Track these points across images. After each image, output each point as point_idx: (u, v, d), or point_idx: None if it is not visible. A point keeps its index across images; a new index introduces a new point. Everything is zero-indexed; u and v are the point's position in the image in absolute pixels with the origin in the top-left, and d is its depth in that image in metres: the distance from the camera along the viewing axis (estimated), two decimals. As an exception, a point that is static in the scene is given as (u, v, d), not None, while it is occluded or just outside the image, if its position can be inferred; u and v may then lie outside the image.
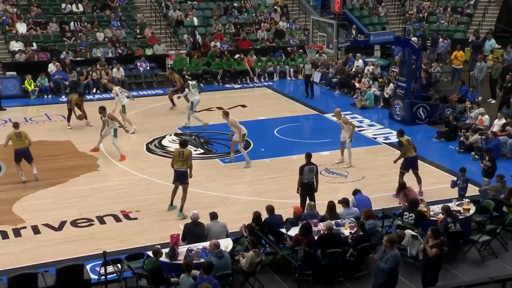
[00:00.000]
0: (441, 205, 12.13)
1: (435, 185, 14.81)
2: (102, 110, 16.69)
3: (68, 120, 19.25)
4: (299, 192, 13.08)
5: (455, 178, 14.09)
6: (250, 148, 17.45)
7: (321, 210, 12.24)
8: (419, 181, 14.32)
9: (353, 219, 11.69)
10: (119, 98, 18.81)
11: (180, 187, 13.35)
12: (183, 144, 13.72)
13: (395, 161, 14.66)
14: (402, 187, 13.25)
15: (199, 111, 19.97)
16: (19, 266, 10.85)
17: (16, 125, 15.64)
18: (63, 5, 27.44)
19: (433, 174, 15.74)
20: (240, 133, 15.86)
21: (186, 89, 19.73)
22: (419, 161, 14.87)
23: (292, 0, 31.96)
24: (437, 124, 19.53)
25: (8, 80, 22.67)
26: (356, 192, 12.74)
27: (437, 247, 9.88)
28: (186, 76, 23.17)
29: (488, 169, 14.15)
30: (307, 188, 13.03)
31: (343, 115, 16.52)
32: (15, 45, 24.65)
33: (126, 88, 23.05)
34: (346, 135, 16.07)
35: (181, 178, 13.29)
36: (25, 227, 12.65)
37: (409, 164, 14.30)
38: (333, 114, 18.63)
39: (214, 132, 18.92)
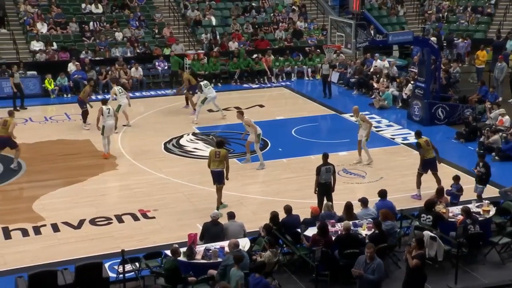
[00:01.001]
0: (460, 206, 12.04)
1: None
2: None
3: (85, 120, 19.28)
4: (316, 192, 13.05)
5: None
6: (268, 148, 17.47)
7: (338, 210, 12.20)
8: (438, 182, 14.21)
9: (370, 220, 11.63)
10: (118, 97, 19.20)
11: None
12: (220, 144, 13.79)
13: (419, 169, 14.27)
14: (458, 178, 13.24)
15: (215, 111, 20.05)
16: (39, 264, 10.96)
17: (10, 113, 16.34)
18: (83, 6, 27.70)
19: (452, 175, 15.56)
20: (256, 132, 15.86)
21: (199, 91, 20.01)
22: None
23: (310, 0, 31.92)
24: (456, 124, 19.37)
25: (29, 80, 22.95)
26: (380, 197, 12.45)
27: (419, 258, 9.51)
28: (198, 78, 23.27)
29: (482, 176, 13.68)
30: (324, 188, 13.00)
31: (361, 113, 16.45)
32: (36, 45, 24.93)
33: (145, 88, 23.27)
34: (363, 134, 16.02)
35: (219, 178, 13.31)
36: (44, 225, 12.79)
37: (428, 165, 14.19)
38: (351, 114, 18.61)
39: (231, 132, 18.96)
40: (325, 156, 13.19)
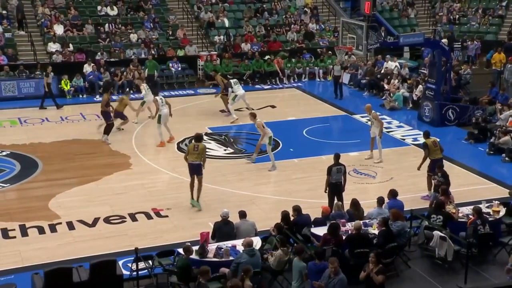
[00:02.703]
0: (471, 207, 12.09)
1: (464, 186, 14.74)
2: None
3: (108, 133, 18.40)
4: (327, 192, 13.21)
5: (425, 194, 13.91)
6: (279, 148, 17.63)
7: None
8: (430, 187, 14.17)
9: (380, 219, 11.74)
10: (145, 94, 19.85)
11: (196, 180, 13.76)
12: (198, 138, 14.12)
13: (418, 168, 14.50)
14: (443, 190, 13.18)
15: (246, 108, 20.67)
16: (55, 261, 11.13)
17: (126, 93, 18.02)
18: (99, 8, 28.01)
19: (462, 176, 15.68)
20: (266, 135, 15.99)
21: (230, 88, 20.46)
22: (448, 162, 14.79)
23: (322, 2, 32.03)
24: (466, 126, 19.41)
25: (46, 80, 23.32)
26: (390, 197, 12.57)
27: (382, 272, 9.48)
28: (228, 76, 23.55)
29: (441, 185, 13.42)
30: (335, 188, 13.13)
31: (373, 111, 16.60)
32: (53, 46, 25.28)
33: (159, 88, 23.54)
34: (376, 131, 16.19)
35: (197, 170, 13.73)
36: (60, 223, 12.99)
37: (436, 166, 14.23)
38: (362, 114, 18.73)
39: (243, 132, 19.14)
40: (337, 157, 13.33)
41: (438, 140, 14.92)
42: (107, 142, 18.02)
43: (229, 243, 10.91)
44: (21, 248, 12.01)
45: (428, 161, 14.30)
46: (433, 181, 13.80)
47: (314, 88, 25.29)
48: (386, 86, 22.95)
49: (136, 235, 12.46)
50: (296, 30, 28.98)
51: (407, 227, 11.69)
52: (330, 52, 27.01)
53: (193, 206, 13.73)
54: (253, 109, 20.39)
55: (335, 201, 12.86)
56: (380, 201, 12.29)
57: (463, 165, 16.38)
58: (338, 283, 9.26)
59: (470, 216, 11.88)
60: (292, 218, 11.61)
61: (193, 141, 14.28)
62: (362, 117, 20.62)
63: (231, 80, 20.99)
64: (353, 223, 11.32)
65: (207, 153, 17.12)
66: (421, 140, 17.91)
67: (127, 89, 23.17)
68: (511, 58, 23.08)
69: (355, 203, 12.22)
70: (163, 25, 28.22)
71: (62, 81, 23.30)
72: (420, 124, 19.91)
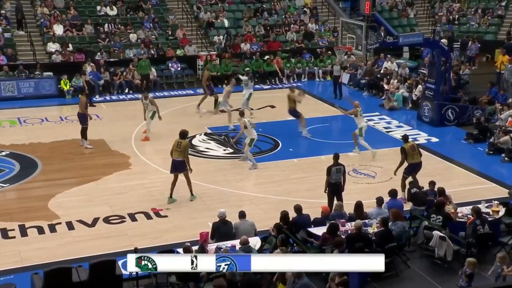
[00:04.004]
0: (470, 207, 12.11)
1: (464, 186, 14.76)
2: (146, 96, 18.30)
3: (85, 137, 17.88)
4: (326, 192, 13.22)
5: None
6: (279, 148, 17.64)
7: (349, 210, 12.34)
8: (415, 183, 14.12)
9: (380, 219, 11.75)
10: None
11: (182, 177, 13.96)
12: (182, 135, 14.20)
13: (395, 172, 14.34)
14: (433, 183, 13.18)
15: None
16: (54, 261, 11.14)
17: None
18: (98, 8, 28.00)
19: (462, 176, 15.70)
20: (250, 136, 16.01)
21: (244, 87, 20.49)
22: (447, 162, 14.77)
23: (321, 2, 32.03)
24: (466, 125, 19.42)
25: (45, 80, 23.32)
26: (390, 196, 12.58)
27: (344, 284, 9.42)
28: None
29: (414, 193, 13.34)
30: (334, 188, 13.14)
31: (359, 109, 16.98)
32: (52, 46, 25.28)
33: (158, 88, 23.51)
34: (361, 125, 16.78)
35: (179, 167, 13.85)
36: (60, 223, 13.01)
37: (413, 170, 14.11)
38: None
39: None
40: (336, 157, 13.34)
41: (417, 143, 15.03)
42: (87, 147, 17.52)
43: (229, 243, 10.94)
44: (21, 248, 12.03)
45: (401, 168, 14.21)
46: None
47: (314, 88, 25.30)
48: (385, 86, 22.96)
49: (135, 235, 12.48)
50: (296, 30, 29.00)
51: (407, 227, 11.70)
52: (329, 52, 27.02)
53: (170, 203, 13.89)
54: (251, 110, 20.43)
55: (335, 201, 12.86)
56: (380, 201, 12.29)
57: (463, 165, 16.40)
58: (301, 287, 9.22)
59: (470, 216, 11.89)
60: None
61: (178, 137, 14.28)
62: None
63: (243, 77, 20.86)
64: (354, 222, 11.33)
65: (206, 153, 17.24)
66: (421, 140, 18.08)
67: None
68: (511, 58, 23.10)
69: (358, 206, 12.11)
70: (163, 25, 28.23)
71: (62, 81, 23.30)
72: (419, 124, 19.94)
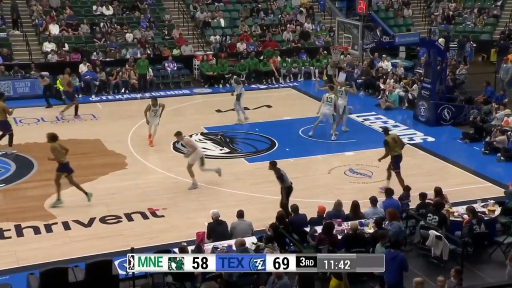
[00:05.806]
0: (466, 206, 12.13)
1: (460, 186, 14.77)
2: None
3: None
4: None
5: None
6: (275, 148, 17.64)
7: (345, 210, 12.33)
8: (389, 177, 14.30)
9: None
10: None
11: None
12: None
13: (379, 159, 14.53)
14: (408, 189, 13.23)
15: (225, 111, 20.29)
16: (50, 261, 11.12)
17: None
18: (94, 7, 27.97)
19: (458, 175, 15.71)
20: (197, 154, 14.83)
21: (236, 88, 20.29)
22: (443, 162, 14.76)
23: (317, 2, 32.04)
24: (462, 125, 19.46)
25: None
26: (386, 196, 12.63)
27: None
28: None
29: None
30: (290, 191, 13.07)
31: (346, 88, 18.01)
32: (48, 46, 25.22)
33: (154, 88, 23.40)
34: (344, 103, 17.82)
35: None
36: (56, 223, 12.98)
37: (399, 161, 14.19)
38: (357, 115, 18.76)
39: (239, 131, 19.13)
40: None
41: (398, 135, 15.08)
42: (10, 152, 16.98)
43: (225, 243, 10.93)
44: (17, 248, 12.00)
45: (389, 159, 14.28)
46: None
47: (310, 88, 25.29)
48: (382, 86, 22.98)
49: (132, 235, 12.46)
50: (292, 29, 29.00)
51: (403, 227, 11.71)
52: (325, 52, 27.02)
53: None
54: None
55: (336, 199, 12.72)
56: (373, 200, 12.30)
57: (459, 164, 16.41)
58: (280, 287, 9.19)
59: (466, 216, 11.91)
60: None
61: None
62: (358, 116, 20.67)
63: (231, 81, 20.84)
64: (350, 223, 11.33)
65: (204, 153, 17.18)
66: (417, 139, 18.11)
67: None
68: (505, 58, 23.14)
69: (355, 206, 12.11)
70: (159, 24, 28.20)
71: (58, 81, 23.20)
72: (415, 124, 19.94)
